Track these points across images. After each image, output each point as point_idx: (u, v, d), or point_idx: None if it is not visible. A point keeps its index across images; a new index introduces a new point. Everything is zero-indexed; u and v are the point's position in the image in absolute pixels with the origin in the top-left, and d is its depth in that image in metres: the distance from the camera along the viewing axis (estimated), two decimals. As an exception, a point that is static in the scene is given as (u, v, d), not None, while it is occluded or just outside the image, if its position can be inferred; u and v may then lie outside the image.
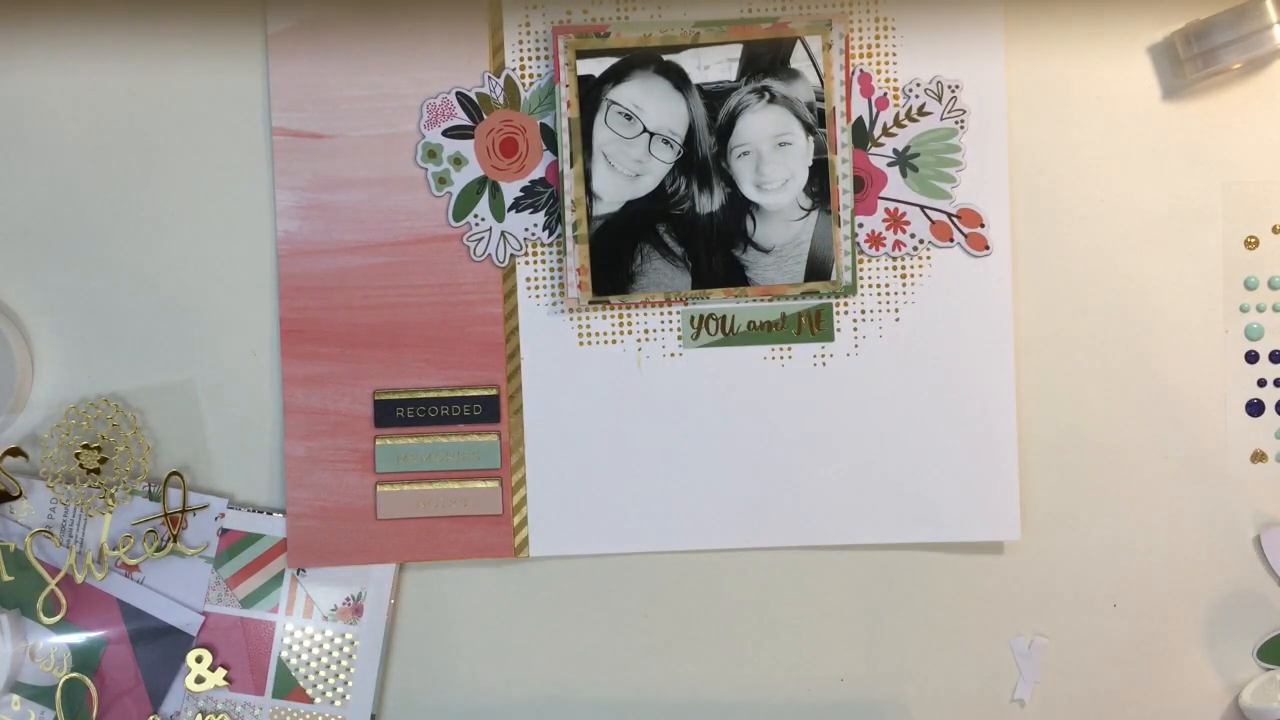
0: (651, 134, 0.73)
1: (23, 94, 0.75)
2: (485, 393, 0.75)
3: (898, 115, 0.74)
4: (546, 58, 0.74)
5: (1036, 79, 0.74)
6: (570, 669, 0.77)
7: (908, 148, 0.74)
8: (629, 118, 0.73)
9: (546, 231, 0.74)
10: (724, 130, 0.73)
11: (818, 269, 0.74)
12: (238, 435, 0.76)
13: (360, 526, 0.75)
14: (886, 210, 0.74)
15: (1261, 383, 0.76)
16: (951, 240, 0.74)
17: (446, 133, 0.74)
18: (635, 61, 0.73)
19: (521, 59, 0.74)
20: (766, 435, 0.75)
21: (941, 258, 0.74)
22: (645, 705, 0.77)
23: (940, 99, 0.74)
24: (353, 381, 0.75)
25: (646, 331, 0.75)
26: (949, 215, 0.74)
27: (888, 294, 0.74)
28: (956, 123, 0.74)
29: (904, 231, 0.74)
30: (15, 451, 0.74)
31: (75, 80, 0.75)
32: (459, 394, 0.75)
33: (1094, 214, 0.75)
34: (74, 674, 0.75)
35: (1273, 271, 0.75)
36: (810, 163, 0.73)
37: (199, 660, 0.75)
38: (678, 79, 0.73)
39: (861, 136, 0.74)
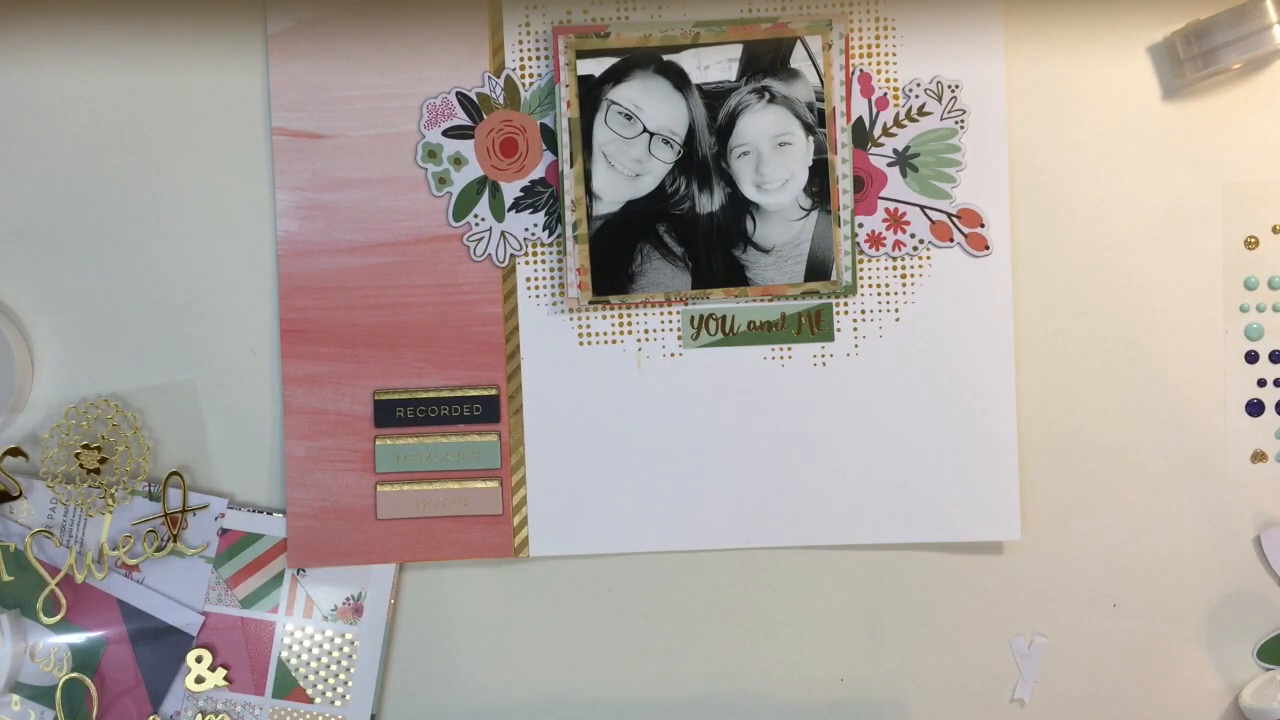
0: (651, 134, 0.73)
1: (23, 94, 0.75)
2: (485, 393, 0.75)
3: (898, 115, 0.74)
4: (546, 58, 0.74)
5: (1036, 79, 0.74)
6: (570, 669, 0.77)
7: (908, 148, 0.74)
8: (629, 118, 0.73)
9: (546, 231, 0.74)
10: (724, 130, 0.73)
11: (818, 269, 0.74)
12: (238, 435, 0.76)
13: (360, 526, 0.75)
14: (886, 210, 0.74)
15: (1261, 383, 0.76)
16: (951, 240, 0.74)
17: (446, 133, 0.74)
18: (635, 61, 0.73)
19: (521, 59, 0.74)
20: (766, 435, 0.75)
21: (941, 258, 0.74)
22: (645, 705, 0.77)
23: (940, 99, 0.74)
24: (353, 381, 0.75)
25: (646, 331, 0.75)
26: (949, 215, 0.74)
27: (888, 294, 0.74)
28: (956, 123, 0.74)
29: (904, 231, 0.74)
30: (15, 451, 0.74)
31: (75, 80, 0.75)
32: (459, 394, 0.75)
33: (1094, 214, 0.75)
34: (74, 674, 0.75)
35: (1273, 271, 0.75)
36: (810, 163, 0.73)
37: (199, 660, 0.75)
38: (678, 79, 0.73)
39: (861, 136, 0.74)
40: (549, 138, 0.74)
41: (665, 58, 0.73)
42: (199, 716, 0.75)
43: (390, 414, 0.75)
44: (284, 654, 0.76)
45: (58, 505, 0.75)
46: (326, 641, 0.76)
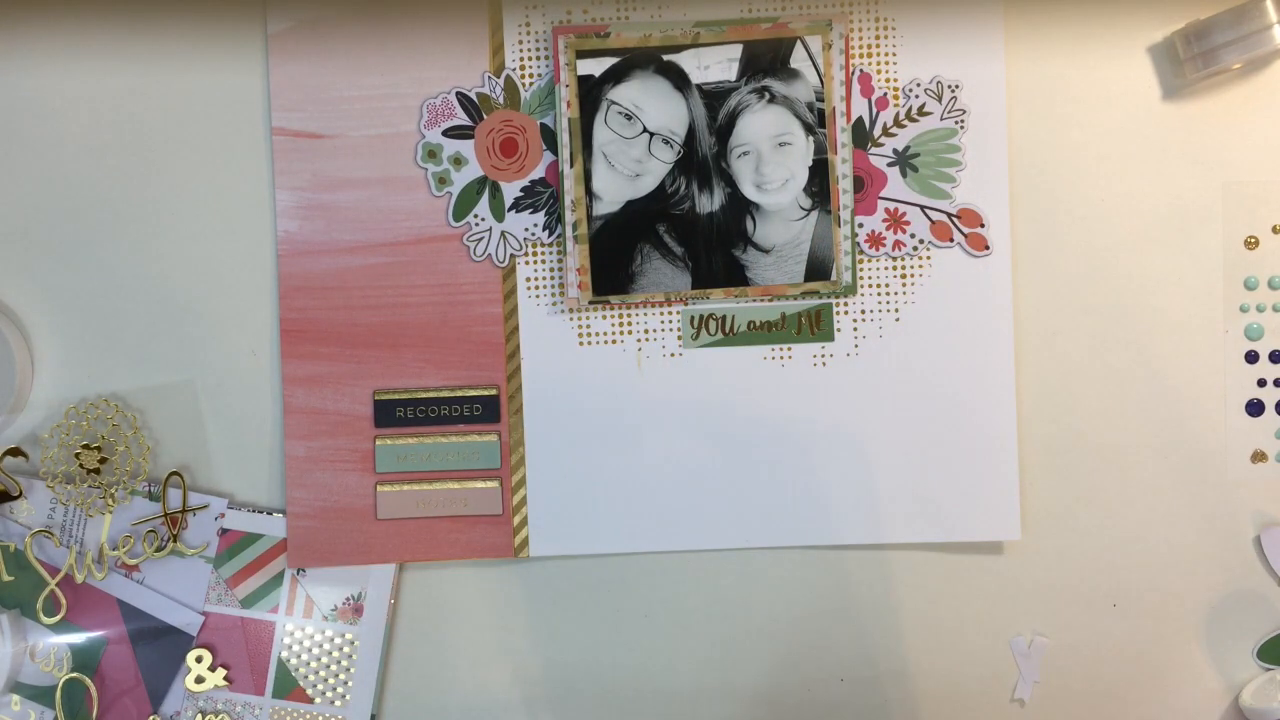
0: (651, 134, 0.73)
1: (23, 94, 0.75)
2: (485, 393, 0.75)
3: (898, 115, 0.74)
4: (546, 58, 0.74)
5: (1036, 79, 0.74)
6: (570, 669, 0.77)
7: (908, 148, 0.74)
8: (629, 118, 0.73)
9: (546, 231, 0.74)
10: (724, 130, 0.73)
11: (818, 269, 0.74)
12: (238, 435, 0.76)
13: (360, 526, 0.75)
14: (886, 210, 0.74)
15: (1261, 383, 0.76)
16: (951, 240, 0.74)
17: (446, 133, 0.74)
18: (635, 61, 0.73)
19: (521, 59, 0.74)
20: (766, 435, 0.75)
21: (941, 258, 0.74)
22: (645, 704, 0.77)
23: (940, 99, 0.74)
24: (353, 381, 0.75)
25: (646, 331, 0.75)
26: (949, 215, 0.74)
27: (888, 294, 0.74)
28: (956, 123, 0.74)
29: (904, 231, 0.74)
30: (15, 451, 0.74)
31: (75, 80, 0.75)
32: (459, 394, 0.75)
33: (1094, 214, 0.75)
34: (74, 674, 0.75)
35: (1273, 271, 0.75)
36: (810, 163, 0.73)
37: (199, 660, 0.75)
38: (678, 79, 0.73)
39: (861, 136, 0.74)
40: (549, 138, 0.74)
41: (665, 58, 0.73)
42: (199, 716, 0.75)
43: (390, 414, 0.75)
44: (284, 654, 0.76)
45: (58, 505, 0.75)
46: (326, 641, 0.76)
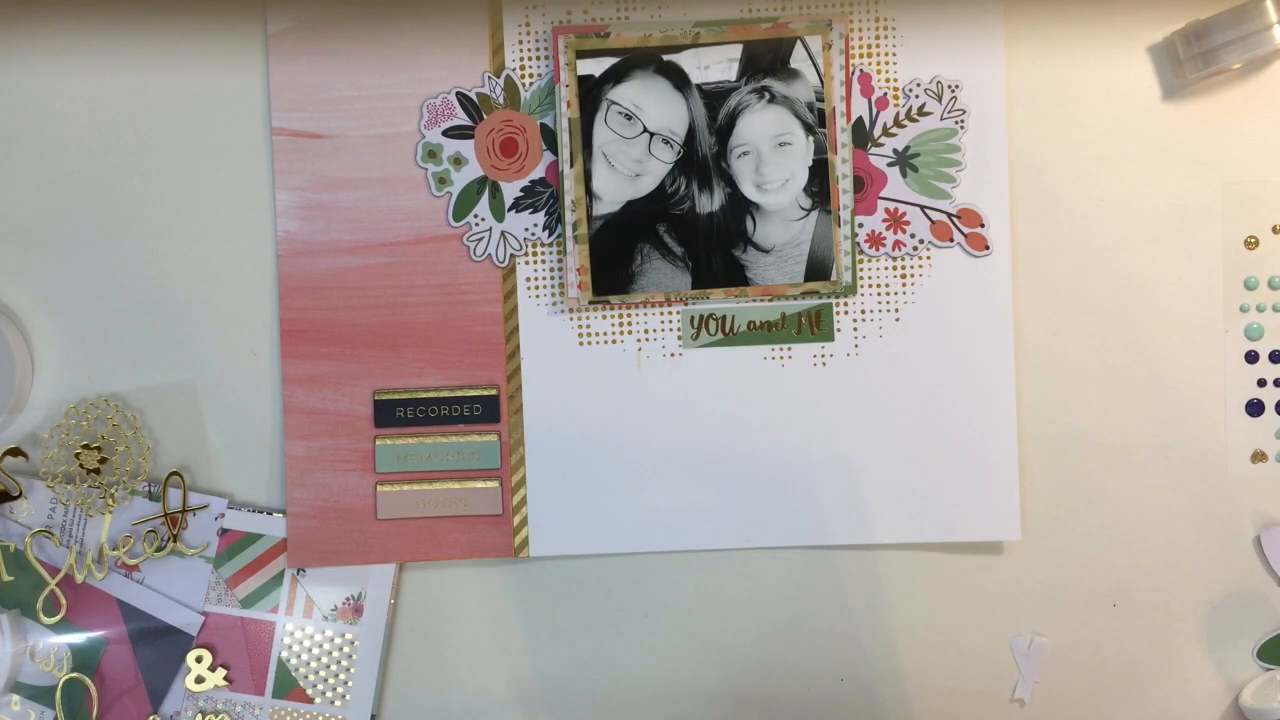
0: (651, 134, 0.73)
1: (23, 94, 0.75)
2: (485, 393, 0.75)
3: (898, 115, 0.74)
4: (546, 58, 0.74)
5: (1036, 79, 0.74)
6: (570, 669, 0.77)
7: (908, 148, 0.74)
8: (629, 118, 0.73)
9: (546, 231, 0.74)
10: (724, 130, 0.73)
11: (818, 269, 0.74)
12: (238, 435, 0.76)
13: (360, 526, 0.75)
14: (886, 210, 0.74)
15: (1261, 383, 0.76)
16: (951, 240, 0.74)
17: (446, 133, 0.74)
18: (635, 61, 0.73)
19: (521, 59, 0.74)
20: (766, 435, 0.75)
21: (941, 258, 0.74)
22: (645, 705, 0.77)
23: (940, 99, 0.74)
24: (353, 381, 0.75)
25: (646, 331, 0.75)
26: (949, 215, 0.74)
27: (888, 294, 0.74)
28: (956, 123, 0.74)
29: (904, 231, 0.74)
30: (15, 451, 0.74)
31: (75, 80, 0.75)
32: (459, 394, 0.75)
33: (1094, 214, 0.75)
34: (74, 674, 0.75)
35: (1273, 271, 0.75)
36: (810, 163, 0.73)
37: (199, 660, 0.75)
38: (678, 79, 0.73)
39: (861, 136, 0.74)
40: (549, 138, 0.74)
41: (665, 58, 0.73)
42: (199, 716, 0.75)
43: (390, 414, 0.75)
44: (284, 654, 0.76)
45: (58, 505, 0.75)
46: (326, 641, 0.76)
